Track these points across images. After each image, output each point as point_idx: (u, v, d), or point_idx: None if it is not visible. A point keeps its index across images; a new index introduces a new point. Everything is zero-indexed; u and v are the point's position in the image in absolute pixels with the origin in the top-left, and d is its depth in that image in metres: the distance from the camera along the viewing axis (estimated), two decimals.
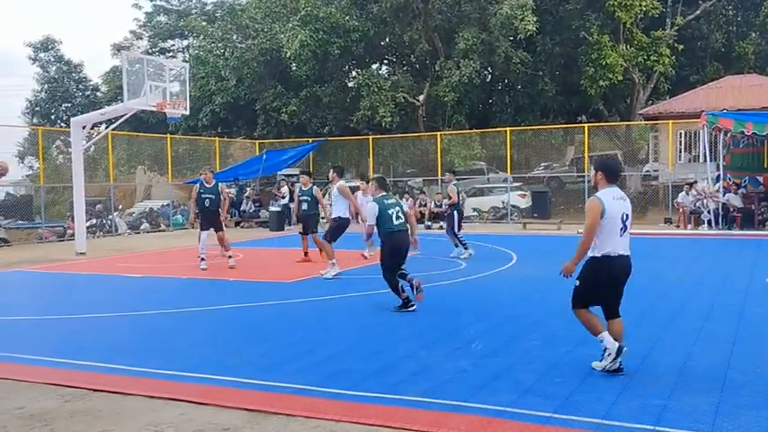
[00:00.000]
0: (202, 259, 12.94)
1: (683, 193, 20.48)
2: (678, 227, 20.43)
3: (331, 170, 12.98)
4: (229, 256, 13.22)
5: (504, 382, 5.56)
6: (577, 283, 5.94)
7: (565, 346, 6.64)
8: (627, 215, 5.78)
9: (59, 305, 9.92)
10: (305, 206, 13.26)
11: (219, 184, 13.52)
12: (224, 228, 13.39)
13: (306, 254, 13.79)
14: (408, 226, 8.98)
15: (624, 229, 5.76)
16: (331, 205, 12.89)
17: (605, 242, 5.71)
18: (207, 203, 12.93)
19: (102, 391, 5.59)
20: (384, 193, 9.14)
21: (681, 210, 20.45)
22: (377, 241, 9.10)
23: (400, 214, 8.86)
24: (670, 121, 23.74)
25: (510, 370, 5.90)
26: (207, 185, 13.04)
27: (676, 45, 27.47)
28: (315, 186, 13.50)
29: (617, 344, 5.65)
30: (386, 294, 9.62)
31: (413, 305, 8.58)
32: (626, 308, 8.49)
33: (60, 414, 5.12)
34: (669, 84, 29.04)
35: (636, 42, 27.09)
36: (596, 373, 5.73)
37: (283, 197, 24.13)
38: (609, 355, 5.66)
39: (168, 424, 4.85)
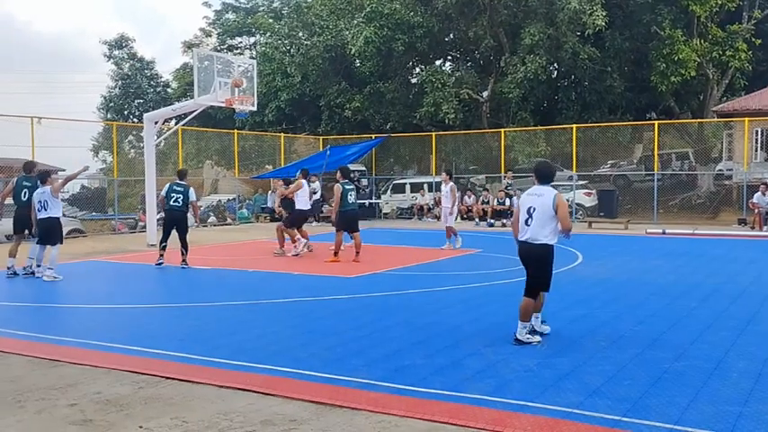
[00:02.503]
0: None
1: (759, 193, 19.73)
2: (753, 228, 19.70)
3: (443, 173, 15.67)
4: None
5: (570, 383, 5.47)
6: None
7: (634, 348, 6.48)
8: (534, 208, 6.71)
9: (133, 295, 10.26)
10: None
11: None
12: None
13: (336, 253, 13.43)
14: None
15: (531, 219, 6.71)
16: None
17: (519, 230, 6.89)
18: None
19: (173, 378, 5.76)
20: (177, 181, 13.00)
21: (756, 210, 19.70)
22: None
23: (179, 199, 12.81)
24: (746, 119, 22.85)
25: (577, 370, 5.80)
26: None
27: (753, 39, 26.38)
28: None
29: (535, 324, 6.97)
30: (449, 291, 9.60)
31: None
32: (699, 310, 8.32)
33: (135, 400, 5.30)
34: (745, 80, 27.93)
35: (710, 37, 26.16)
36: (668, 377, 5.59)
37: (314, 192, 24.32)
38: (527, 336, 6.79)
39: (237, 413, 4.96)
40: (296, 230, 14.63)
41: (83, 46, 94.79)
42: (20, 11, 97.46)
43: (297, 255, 14.24)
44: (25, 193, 11.88)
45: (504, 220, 22.35)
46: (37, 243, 11.65)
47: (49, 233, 11.45)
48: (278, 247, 14.88)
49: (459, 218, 24.18)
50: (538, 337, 6.80)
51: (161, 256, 13.07)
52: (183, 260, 12.87)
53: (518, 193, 23.64)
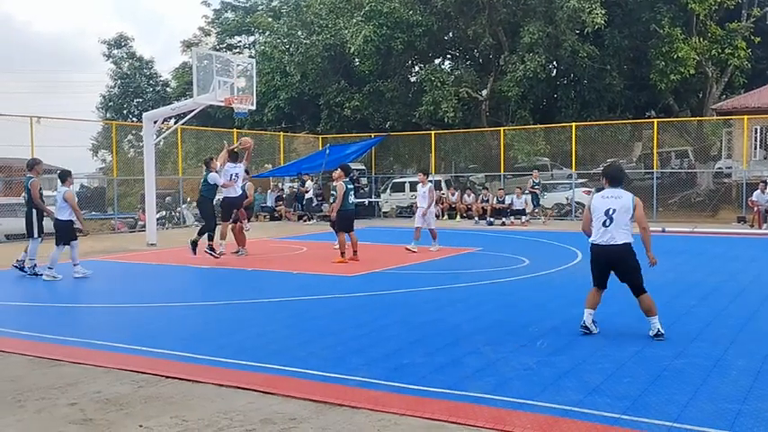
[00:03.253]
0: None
1: (759, 191, 19.75)
2: (752, 226, 19.72)
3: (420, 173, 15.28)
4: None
5: (570, 381, 5.47)
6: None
7: (633, 346, 6.49)
8: (614, 210, 6.90)
9: (133, 294, 10.26)
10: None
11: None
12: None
13: (343, 254, 13.08)
14: None
15: (610, 221, 6.88)
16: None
17: (594, 232, 7.05)
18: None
19: (173, 378, 5.76)
20: None
21: (756, 208, 19.72)
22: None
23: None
24: (745, 116, 22.85)
25: (577, 368, 5.81)
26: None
27: (753, 37, 26.39)
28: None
29: (588, 319, 7.06)
30: (448, 290, 9.61)
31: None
32: (699, 308, 8.33)
33: (135, 399, 5.30)
34: (744, 77, 27.92)
35: (710, 35, 26.16)
36: (667, 374, 5.59)
37: (307, 191, 24.39)
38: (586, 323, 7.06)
39: (237, 412, 4.96)
40: (227, 226, 14.15)
41: (82, 46, 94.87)
42: (19, 11, 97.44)
43: (219, 254, 13.60)
44: (25, 193, 11.90)
45: (504, 219, 22.35)
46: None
47: (56, 233, 11.54)
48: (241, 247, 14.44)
49: (458, 216, 24.31)
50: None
51: (210, 247, 13.47)
52: (208, 245, 13.38)
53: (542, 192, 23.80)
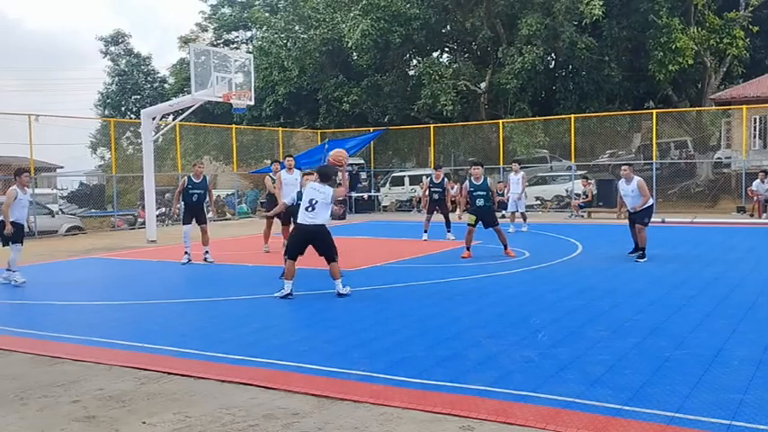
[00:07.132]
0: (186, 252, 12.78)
1: (758, 180, 19.77)
2: (752, 216, 19.73)
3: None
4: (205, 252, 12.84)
5: (571, 373, 5.48)
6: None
7: (634, 337, 6.50)
8: (317, 201, 8.75)
9: (134, 291, 10.26)
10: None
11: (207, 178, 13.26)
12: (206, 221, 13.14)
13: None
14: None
15: (312, 208, 8.75)
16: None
17: (300, 214, 8.85)
18: (194, 198, 12.62)
19: (175, 374, 5.77)
20: None
21: (755, 198, 19.74)
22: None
23: None
24: (744, 106, 22.84)
25: (578, 360, 5.81)
26: (195, 180, 12.61)
27: (751, 27, 26.33)
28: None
29: (287, 291, 8.89)
30: (449, 283, 9.63)
31: None
32: (699, 298, 8.34)
33: (137, 396, 5.31)
34: (743, 67, 27.88)
35: (708, 24, 26.09)
36: (668, 365, 5.60)
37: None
38: (281, 291, 8.93)
39: (239, 407, 4.97)
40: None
41: (77, 43, 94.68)
42: (10, 8, 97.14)
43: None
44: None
45: (504, 212, 22.32)
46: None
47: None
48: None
49: (458, 209, 24.27)
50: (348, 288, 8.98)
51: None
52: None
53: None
